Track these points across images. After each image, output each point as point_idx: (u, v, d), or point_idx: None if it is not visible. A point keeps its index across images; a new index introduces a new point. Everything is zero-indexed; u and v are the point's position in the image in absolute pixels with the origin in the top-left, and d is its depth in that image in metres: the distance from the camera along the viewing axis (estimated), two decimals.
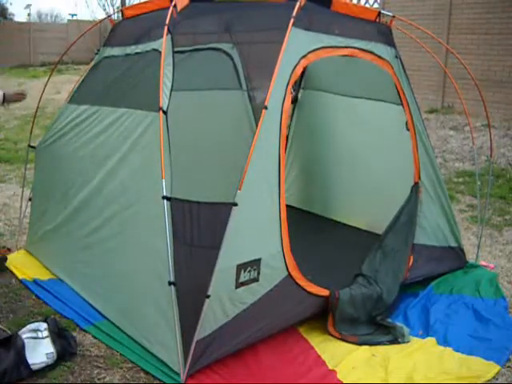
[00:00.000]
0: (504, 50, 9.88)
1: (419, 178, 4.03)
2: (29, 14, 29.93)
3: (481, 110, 8.97)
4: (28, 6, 38.88)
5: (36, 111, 4.74)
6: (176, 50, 3.35)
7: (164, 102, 3.13)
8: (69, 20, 28.57)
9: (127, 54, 3.78)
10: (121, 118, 3.54)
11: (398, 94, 3.99)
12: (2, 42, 19.65)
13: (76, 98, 4.15)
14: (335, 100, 5.03)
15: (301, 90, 5.33)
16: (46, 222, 4.22)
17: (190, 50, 4.25)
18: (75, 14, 33.29)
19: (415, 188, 4.02)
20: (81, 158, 3.89)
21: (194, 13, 3.64)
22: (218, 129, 4.62)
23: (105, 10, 20.53)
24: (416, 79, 9.68)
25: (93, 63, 4.15)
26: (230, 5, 3.95)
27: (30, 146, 4.54)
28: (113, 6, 20.78)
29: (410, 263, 3.94)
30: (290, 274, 3.23)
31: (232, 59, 5.01)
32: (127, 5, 17.87)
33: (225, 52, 4.94)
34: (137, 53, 3.67)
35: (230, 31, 4.80)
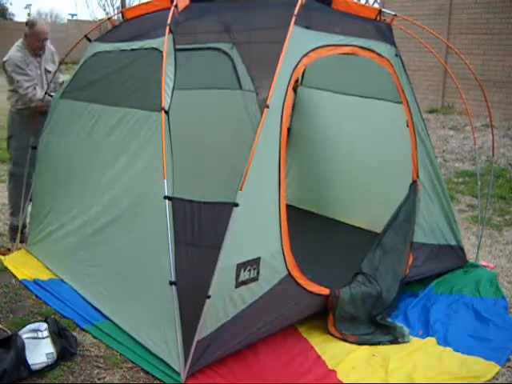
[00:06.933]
0: (504, 50, 9.89)
1: (417, 176, 4.03)
2: (29, 14, 29.93)
3: (480, 109, 9.03)
4: (28, 6, 39.03)
5: (40, 111, 4.71)
6: (175, 48, 3.34)
7: (166, 102, 3.12)
8: (69, 20, 28.63)
9: (122, 50, 3.77)
10: (125, 119, 3.54)
11: (398, 93, 3.99)
12: (1, 41, 19.62)
13: (70, 93, 4.13)
14: (334, 98, 5.03)
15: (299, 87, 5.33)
16: (48, 222, 4.21)
17: (189, 49, 4.24)
18: (75, 14, 33.39)
19: (413, 186, 4.01)
20: (87, 159, 3.89)
21: (194, 12, 3.64)
22: (218, 128, 4.62)
23: (105, 10, 20.53)
24: (416, 79, 9.70)
25: (84, 58, 4.13)
26: (231, 4, 3.95)
27: (32, 146, 4.52)
28: (113, 6, 20.79)
29: (411, 261, 3.95)
30: (289, 273, 3.23)
31: (231, 59, 5.01)
32: (127, 5, 17.89)
33: (224, 52, 4.94)
34: (133, 49, 3.66)
35: (229, 31, 4.80)
